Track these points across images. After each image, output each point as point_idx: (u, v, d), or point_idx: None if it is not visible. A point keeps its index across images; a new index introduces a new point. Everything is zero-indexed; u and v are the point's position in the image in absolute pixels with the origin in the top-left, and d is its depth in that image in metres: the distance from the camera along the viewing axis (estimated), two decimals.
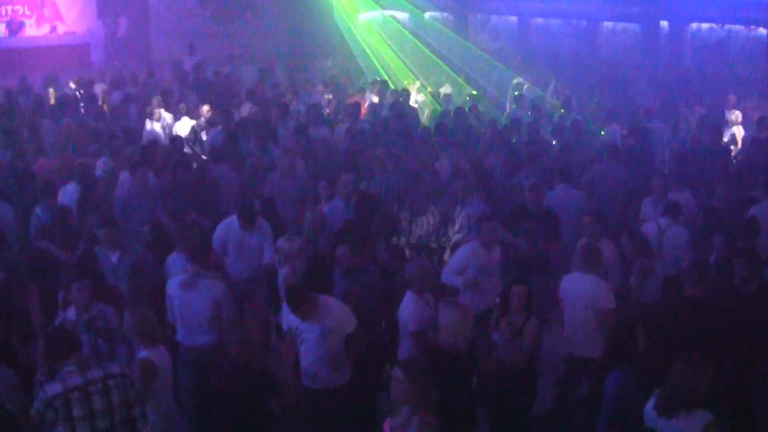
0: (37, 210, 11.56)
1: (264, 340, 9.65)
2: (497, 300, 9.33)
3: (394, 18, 28.43)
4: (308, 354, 8.33)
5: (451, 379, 7.31)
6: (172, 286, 9.27)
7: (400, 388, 6.47)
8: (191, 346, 9.12)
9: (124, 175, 12.78)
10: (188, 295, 9.14)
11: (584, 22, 26.29)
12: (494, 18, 28.74)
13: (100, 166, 13.54)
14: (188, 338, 9.17)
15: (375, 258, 9.98)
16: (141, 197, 12.09)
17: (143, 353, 7.68)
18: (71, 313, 8.54)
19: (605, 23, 25.90)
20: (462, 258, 10.12)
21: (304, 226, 10.74)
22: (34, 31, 27.47)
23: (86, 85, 20.62)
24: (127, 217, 11.84)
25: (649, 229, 10.76)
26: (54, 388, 6.77)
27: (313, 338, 8.27)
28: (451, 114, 17.46)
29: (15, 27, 26.94)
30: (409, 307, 8.60)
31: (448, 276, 10.10)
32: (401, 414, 6.52)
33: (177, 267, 9.81)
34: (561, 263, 10.74)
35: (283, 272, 9.70)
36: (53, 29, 27.67)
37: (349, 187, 12.00)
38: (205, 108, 17.50)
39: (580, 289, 9.10)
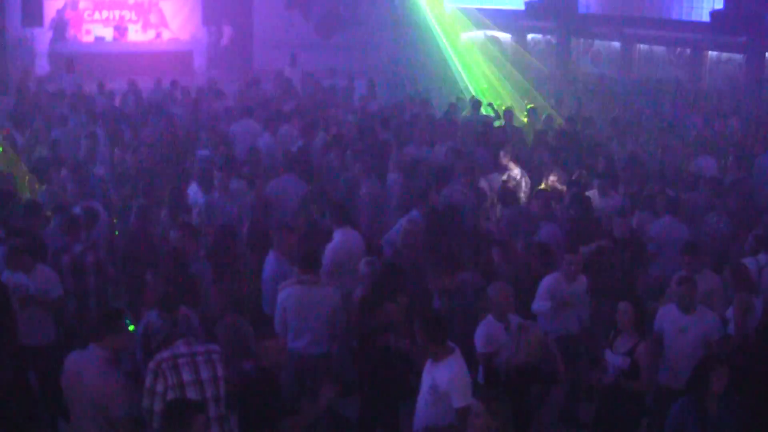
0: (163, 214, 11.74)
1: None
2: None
3: (495, 39, 28.33)
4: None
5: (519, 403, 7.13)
6: (287, 294, 9.19)
7: (479, 423, 6.33)
8: (306, 354, 9.03)
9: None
10: (304, 304, 9.05)
11: (688, 51, 25.84)
12: (597, 43, 28.43)
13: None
14: (307, 347, 9.05)
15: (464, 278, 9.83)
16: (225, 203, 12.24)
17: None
18: (154, 315, 8.56)
19: (710, 52, 25.40)
20: (545, 289, 9.86)
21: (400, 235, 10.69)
22: (140, 36, 28.03)
23: (184, 91, 20.90)
24: (212, 221, 11.95)
25: (748, 264, 10.42)
26: (162, 354, 7.15)
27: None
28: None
29: (121, 32, 27.52)
30: (480, 329, 8.48)
31: (534, 305, 9.91)
32: None
33: (278, 272, 9.76)
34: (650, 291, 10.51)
35: (357, 292, 9.55)
36: (158, 35, 28.21)
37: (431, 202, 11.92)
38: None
39: (690, 324, 8.85)
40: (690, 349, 8.65)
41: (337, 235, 10.83)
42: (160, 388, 7.06)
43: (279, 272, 9.74)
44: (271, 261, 9.98)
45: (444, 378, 7.34)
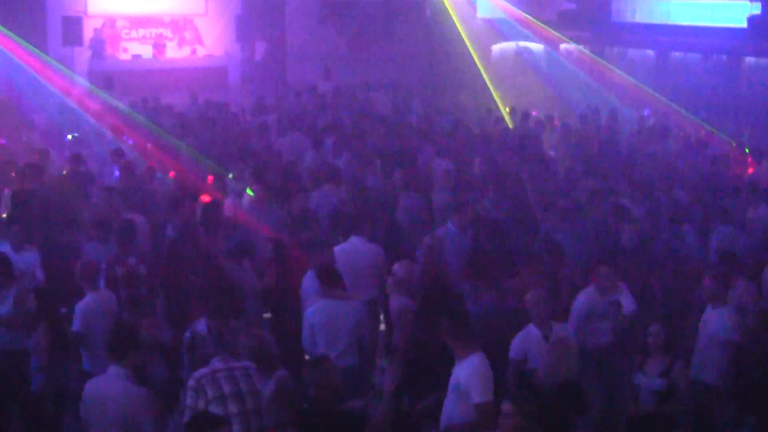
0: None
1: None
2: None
3: (528, 50, 28.30)
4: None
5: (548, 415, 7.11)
6: (313, 311, 9.24)
7: (509, 423, 6.35)
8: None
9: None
10: (331, 319, 9.08)
11: (724, 57, 25.63)
12: (631, 51, 28.30)
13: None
14: (335, 360, 9.00)
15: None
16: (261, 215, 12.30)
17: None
18: (201, 325, 8.65)
19: (747, 58, 25.19)
20: (581, 307, 9.78)
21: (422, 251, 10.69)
22: (175, 53, 28.29)
23: (220, 106, 21.04)
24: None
25: None
26: (201, 371, 7.29)
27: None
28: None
29: (159, 49, 27.80)
30: (517, 336, 8.57)
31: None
32: None
33: (311, 290, 9.80)
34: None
35: (394, 298, 9.60)
36: (193, 51, 28.44)
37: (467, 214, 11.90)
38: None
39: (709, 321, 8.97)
40: (706, 339, 8.84)
41: (342, 245, 10.92)
42: (201, 404, 7.16)
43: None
44: (310, 279, 10.01)
45: (465, 374, 7.42)
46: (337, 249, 10.62)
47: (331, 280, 9.29)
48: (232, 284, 9.74)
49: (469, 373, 7.41)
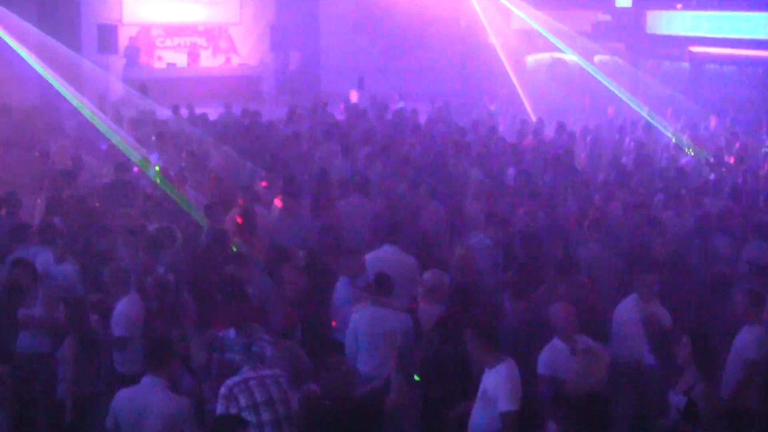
0: None
1: None
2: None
3: (562, 61, 28.23)
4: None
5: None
6: (360, 317, 9.21)
7: None
8: (373, 376, 8.93)
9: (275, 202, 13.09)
10: (377, 326, 9.04)
11: (760, 69, 25.45)
12: (666, 64, 28.16)
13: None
14: (376, 369, 8.98)
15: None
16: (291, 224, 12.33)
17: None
18: (231, 332, 8.66)
19: None
20: (624, 313, 9.64)
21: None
22: (209, 61, 28.45)
23: (254, 115, 21.11)
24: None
25: None
26: (233, 379, 7.28)
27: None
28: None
29: (194, 57, 27.96)
30: (544, 351, 8.45)
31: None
32: None
33: (351, 295, 9.80)
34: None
35: (423, 306, 9.57)
36: (227, 60, 28.59)
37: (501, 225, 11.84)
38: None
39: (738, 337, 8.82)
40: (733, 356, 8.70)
41: (375, 253, 10.89)
42: (233, 411, 7.17)
43: (352, 296, 9.74)
44: (343, 285, 10.01)
45: (492, 383, 7.43)
46: (369, 257, 10.60)
47: (382, 288, 9.27)
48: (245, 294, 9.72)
49: (496, 381, 7.43)
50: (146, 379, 7.29)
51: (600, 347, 8.48)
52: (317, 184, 14.34)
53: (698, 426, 7.71)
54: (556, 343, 8.44)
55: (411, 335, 9.10)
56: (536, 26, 27.46)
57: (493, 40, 27.12)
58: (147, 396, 7.21)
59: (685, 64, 27.50)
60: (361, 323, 9.08)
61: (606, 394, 7.72)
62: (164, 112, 20.71)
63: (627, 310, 9.54)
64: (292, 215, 12.57)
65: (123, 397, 7.36)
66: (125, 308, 9.37)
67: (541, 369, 8.34)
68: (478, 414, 7.55)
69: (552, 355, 8.37)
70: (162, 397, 7.19)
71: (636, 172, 16.23)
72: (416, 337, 9.18)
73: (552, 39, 27.00)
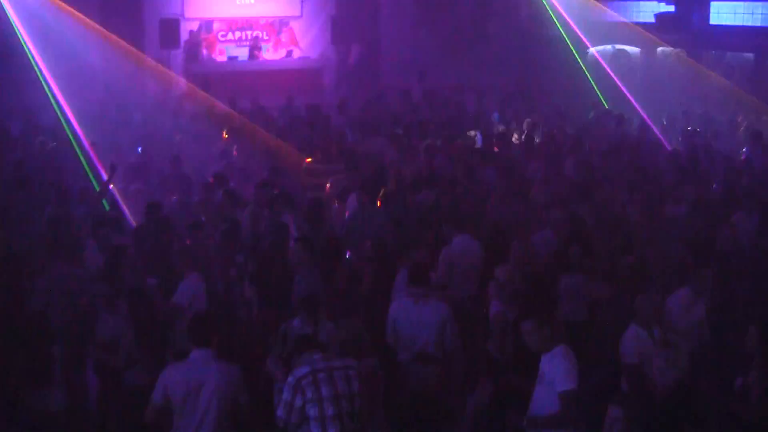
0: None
1: None
2: None
3: (625, 52, 27.97)
4: None
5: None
6: (397, 307, 9.32)
7: (617, 429, 6.29)
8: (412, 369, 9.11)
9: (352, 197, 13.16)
10: (413, 316, 9.15)
11: None
12: (729, 55, 27.76)
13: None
14: (415, 359, 9.13)
15: None
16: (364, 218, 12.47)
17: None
18: (296, 321, 8.79)
19: None
20: (678, 307, 9.56)
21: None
22: (271, 55, 28.61)
23: (314, 110, 21.22)
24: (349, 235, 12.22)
25: None
26: (302, 369, 7.37)
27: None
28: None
29: (256, 51, 28.15)
30: (626, 339, 8.44)
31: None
32: None
33: (401, 285, 9.89)
34: None
35: (494, 303, 9.61)
36: (289, 53, 28.71)
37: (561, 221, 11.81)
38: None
39: None
40: None
41: (455, 240, 11.13)
42: (299, 402, 7.30)
43: None
44: (403, 277, 10.08)
45: (549, 365, 7.49)
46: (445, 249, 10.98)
47: (418, 278, 9.35)
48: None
49: (553, 363, 7.48)
50: (195, 354, 7.46)
51: (680, 340, 8.43)
52: (377, 175, 14.42)
53: (751, 410, 7.72)
54: (637, 329, 8.42)
55: (451, 325, 9.18)
56: (598, 18, 27.26)
57: (559, 31, 26.87)
58: (200, 368, 7.40)
59: (750, 56, 27.08)
60: (398, 314, 9.27)
61: (691, 392, 7.70)
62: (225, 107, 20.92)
63: (677, 302, 9.52)
64: (368, 210, 12.70)
65: (175, 371, 7.50)
66: (190, 284, 9.83)
67: (629, 358, 8.33)
68: (537, 396, 7.60)
69: (636, 342, 8.36)
70: (215, 366, 7.40)
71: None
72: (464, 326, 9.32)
73: (614, 30, 26.79)
